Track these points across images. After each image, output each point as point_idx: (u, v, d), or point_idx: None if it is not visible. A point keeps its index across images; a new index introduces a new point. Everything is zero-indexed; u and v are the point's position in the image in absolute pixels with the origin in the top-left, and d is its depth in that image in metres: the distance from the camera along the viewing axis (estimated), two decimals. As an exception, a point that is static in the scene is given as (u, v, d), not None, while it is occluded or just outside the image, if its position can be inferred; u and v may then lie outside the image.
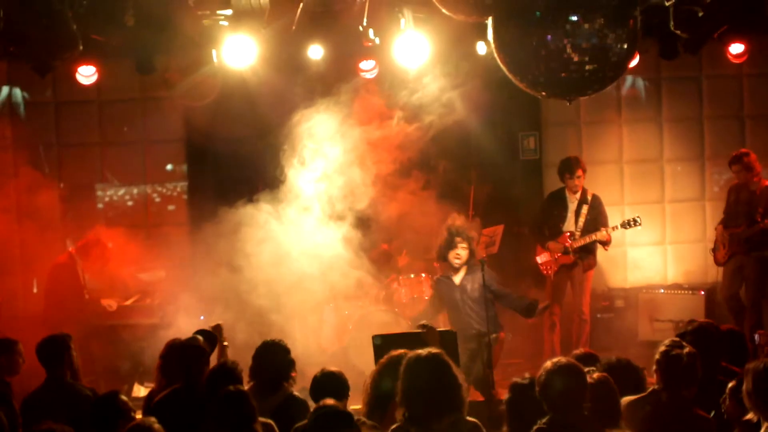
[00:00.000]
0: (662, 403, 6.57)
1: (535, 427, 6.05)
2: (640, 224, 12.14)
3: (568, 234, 12.12)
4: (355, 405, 7.25)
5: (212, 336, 8.19)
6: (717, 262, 12.66)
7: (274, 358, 7.77)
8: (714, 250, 12.67)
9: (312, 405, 7.34)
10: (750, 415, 6.30)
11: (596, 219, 12.17)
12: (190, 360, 7.73)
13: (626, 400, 6.60)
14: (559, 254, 12.14)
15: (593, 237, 12.02)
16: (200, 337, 8.02)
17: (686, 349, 6.66)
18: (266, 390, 7.51)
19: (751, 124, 14.19)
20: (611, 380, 6.37)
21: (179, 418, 6.93)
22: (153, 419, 6.00)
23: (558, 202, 12.38)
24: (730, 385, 6.76)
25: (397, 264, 12.86)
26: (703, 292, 13.39)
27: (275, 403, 7.34)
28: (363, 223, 11.93)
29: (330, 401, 6.41)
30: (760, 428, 6.08)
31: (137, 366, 11.45)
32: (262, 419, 6.81)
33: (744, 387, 6.26)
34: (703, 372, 6.77)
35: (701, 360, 6.77)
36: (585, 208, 12.18)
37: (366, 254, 11.75)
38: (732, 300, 12.46)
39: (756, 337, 9.18)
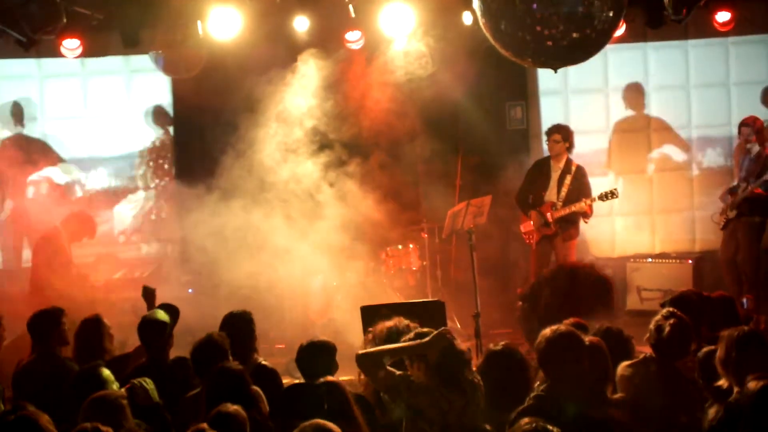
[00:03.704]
0: (651, 372, 6.58)
1: (532, 394, 6.08)
2: (617, 196, 12.12)
3: (550, 204, 12.12)
4: (344, 376, 7.26)
5: (174, 309, 8.19)
6: (718, 226, 12.68)
7: (236, 329, 7.75)
8: (720, 214, 12.68)
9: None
10: (722, 381, 6.34)
11: (579, 190, 12.11)
12: (150, 335, 7.81)
13: (623, 365, 6.62)
14: (540, 225, 12.17)
15: (572, 208, 11.99)
16: (161, 312, 8.05)
17: (671, 320, 6.67)
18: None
19: (737, 92, 14.17)
20: (604, 345, 6.40)
21: None
22: (122, 392, 5.97)
23: (542, 170, 12.38)
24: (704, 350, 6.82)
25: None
26: (690, 261, 13.40)
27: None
28: (350, 192, 11.96)
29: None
30: (731, 394, 6.11)
31: (126, 340, 11.43)
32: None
33: (717, 354, 6.29)
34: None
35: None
36: (568, 178, 12.15)
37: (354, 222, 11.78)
38: (729, 264, 12.51)
39: (744, 301, 9.22)
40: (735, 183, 12.65)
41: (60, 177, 13.66)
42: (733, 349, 6.17)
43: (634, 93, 14.24)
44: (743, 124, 12.41)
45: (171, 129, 13.96)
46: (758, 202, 12.15)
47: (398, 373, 6.26)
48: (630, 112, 14.24)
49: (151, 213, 13.86)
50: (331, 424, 5.22)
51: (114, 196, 13.80)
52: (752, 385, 5.47)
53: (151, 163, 13.89)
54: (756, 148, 12.24)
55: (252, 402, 6.34)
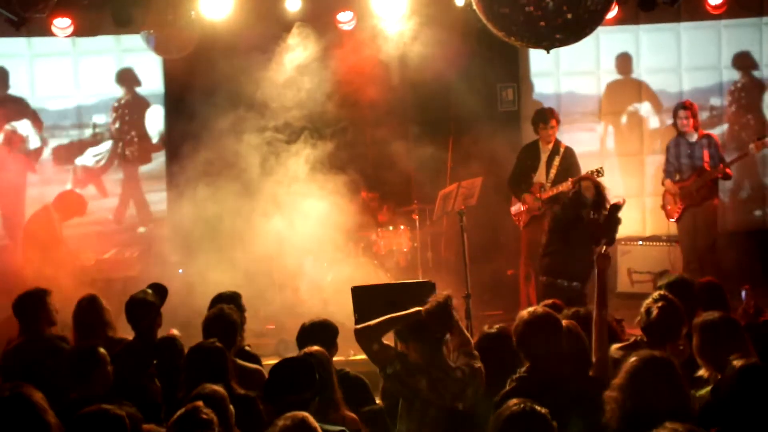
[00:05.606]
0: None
1: (514, 377, 6.09)
2: (602, 174, 12.06)
3: (539, 185, 12.10)
4: (339, 357, 7.28)
5: (163, 289, 8.19)
6: (669, 217, 12.69)
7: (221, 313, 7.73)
8: (664, 206, 12.70)
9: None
10: (701, 371, 6.28)
11: (568, 170, 12.06)
12: (138, 315, 7.84)
13: (614, 347, 6.62)
14: (535, 207, 12.13)
15: (560, 188, 11.94)
16: (150, 291, 8.05)
17: (660, 303, 6.64)
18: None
19: (728, 75, 14.19)
20: (578, 326, 6.41)
21: (130, 370, 7.07)
22: (122, 412, 5.71)
23: (531, 152, 12.34)
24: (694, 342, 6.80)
25: (377, 216, 12.89)
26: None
27: None
28: (342, 171, 11.96)
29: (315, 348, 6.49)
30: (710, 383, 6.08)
31: (116, 319, 11.44)
32: (250, 365, 6.88)
33: (693, 343, 6.26)
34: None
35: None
36: (557, 160, 12.13)
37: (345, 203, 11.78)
38: (691, 251, 12.51)
39: (743, 293, 9.10)
40: (666, 169, 12.68)
41: (25, 129, 13.52)
42: (708, 336, 6.16)
43: (626, 75, 14.25)
44: (681, 107, 12.37)
45: (137, 90, 13.88)
46: (716, 185, 12.19)
47: (393, 348, 6.30)
48: (622, 95, 14.24)
49: (107, 169, 13.79)
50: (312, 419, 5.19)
51: (76, 149, 13.73)
52: (735, 363, 5.43)
53: (141, 142, 13.86)
54: (693, 133, 12.27)
55: (226, 378, 6.34)
